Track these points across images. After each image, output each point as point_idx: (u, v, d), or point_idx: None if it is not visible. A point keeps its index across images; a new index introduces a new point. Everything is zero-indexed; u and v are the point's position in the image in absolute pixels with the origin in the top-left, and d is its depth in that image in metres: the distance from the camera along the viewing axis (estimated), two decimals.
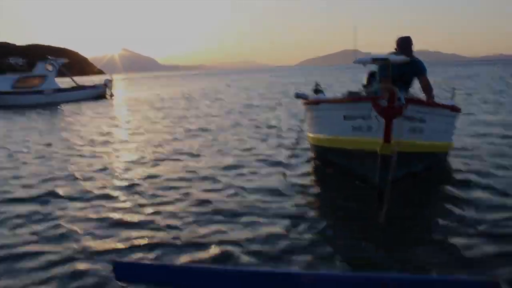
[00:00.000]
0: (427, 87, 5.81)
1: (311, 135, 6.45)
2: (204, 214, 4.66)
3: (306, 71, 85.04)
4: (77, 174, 6.64)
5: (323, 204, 5.00)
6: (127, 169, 6.90)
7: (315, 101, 5.92)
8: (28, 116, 18.28)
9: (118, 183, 6.13)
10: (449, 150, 6.21)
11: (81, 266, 3.54)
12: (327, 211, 4.76)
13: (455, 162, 6.34)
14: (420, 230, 4.09)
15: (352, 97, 4.78)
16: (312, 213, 4.60)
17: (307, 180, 5.85)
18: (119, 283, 2.88)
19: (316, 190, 5.54)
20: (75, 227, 4.43)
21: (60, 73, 27.93)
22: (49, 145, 9.92)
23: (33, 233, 4.35)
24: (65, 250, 3.90)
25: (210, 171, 6.51)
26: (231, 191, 5.46)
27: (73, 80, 29.30)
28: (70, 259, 3.69)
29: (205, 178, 6.11)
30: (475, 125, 9.99)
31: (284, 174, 6.06)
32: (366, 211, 4.49)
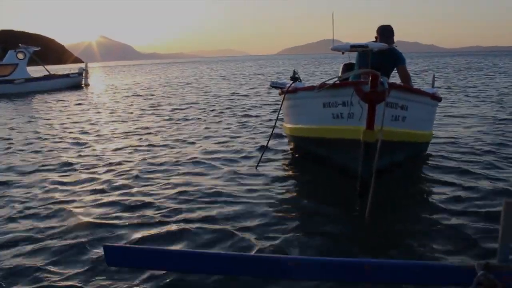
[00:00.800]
0: (406, 78, 5.73)
1: (288, 125, 6.26)
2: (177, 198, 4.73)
3: (285, 60, 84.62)
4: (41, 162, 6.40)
5: (301, 197, 4.83)
6: (105, 158, 6.73)
7: (292, 89, 5.66)
8: None
9: (99, 169, 6.07)
10: (430, 140, 6.18)
11: (71, 249, 3.56)
12: (306, 205, 4.57)
13: (435, 150, 6.40)
14: (404, 222, 4.02)
15: (333, 83, 4.56)
16: (289, 207, 4.46)
17: (283, 172, 5.72)
18: (110, 267, 2.90)
19: (293, 183, 5.36)
20: (64, 209, 4.50)
21: (34, 62, 27.15)
22: (11, 130, 9.61)
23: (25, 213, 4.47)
24: (55, 233, 3.91)
25: (186, 158, 6.56)
26: (202, 180, 5.45)
27: (45, 69, 28.18)
28: (60, 243, 3.70)
29: (183, 164, 6.23)
30: (449, 112, 10.22)
31: (257, 166, 5.87)
32: (348, 204, 4.39)
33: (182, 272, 2.80)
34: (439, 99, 5.84)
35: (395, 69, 5.76)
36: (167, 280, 2.94)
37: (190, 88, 22.86)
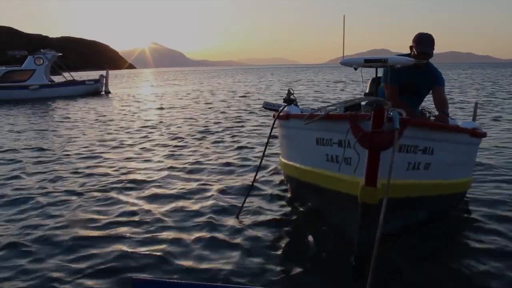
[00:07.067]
0: (442, 103, 4.36)
1: (282, 160, 4.74)
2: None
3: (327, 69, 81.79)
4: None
5: (294, 253, 3.62)
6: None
7: (284, 114, 4.23)
8: None
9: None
10: (468, 188, 4.48)
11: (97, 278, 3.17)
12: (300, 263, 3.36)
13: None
14: None
15: (325, 114, 3.20)
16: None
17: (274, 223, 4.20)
18: None
19: (282, 241, 3.88)
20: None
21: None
22: None
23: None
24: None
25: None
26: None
27: (63, 76, 28.24)
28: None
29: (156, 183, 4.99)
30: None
31: (239, 215, 4.44)
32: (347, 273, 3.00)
33: None
34: (482, 136, 4.17)
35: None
36: None
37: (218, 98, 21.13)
